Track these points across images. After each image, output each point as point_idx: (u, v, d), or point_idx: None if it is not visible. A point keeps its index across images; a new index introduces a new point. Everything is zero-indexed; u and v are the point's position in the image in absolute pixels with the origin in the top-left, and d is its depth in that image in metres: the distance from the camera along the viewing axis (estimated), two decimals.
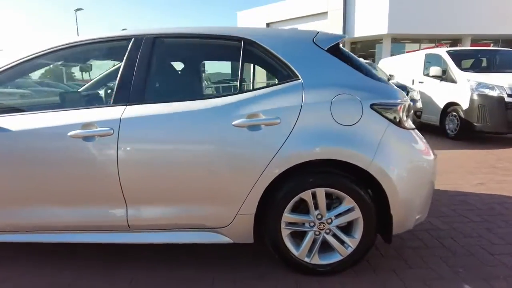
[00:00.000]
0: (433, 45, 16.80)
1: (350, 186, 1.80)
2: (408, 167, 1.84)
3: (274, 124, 1.79)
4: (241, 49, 1.95)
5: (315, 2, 18.17)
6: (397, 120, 1.85)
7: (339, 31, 17.53)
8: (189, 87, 2.22)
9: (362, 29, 17.19)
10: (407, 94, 6.00)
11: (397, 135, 1.84)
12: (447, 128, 6.19)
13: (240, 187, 1.82)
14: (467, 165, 4.35)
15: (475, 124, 5.56)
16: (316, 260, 1.91)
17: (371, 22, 16.68)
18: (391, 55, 8.51)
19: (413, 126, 1.97)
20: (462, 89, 5.86)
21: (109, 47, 2.09)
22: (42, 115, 1.91)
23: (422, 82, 7.00)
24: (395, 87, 2.02)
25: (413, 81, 7.34)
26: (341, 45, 2.04)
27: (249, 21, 21.85)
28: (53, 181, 1.87)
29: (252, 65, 2.12)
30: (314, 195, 1.83)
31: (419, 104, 6.19)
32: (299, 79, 1.87)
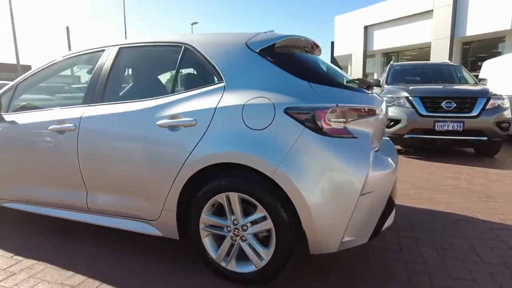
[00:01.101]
0: None
1: (259, 194, 1.71)
2: (326, 180, 1.63)
3: (190, 125, 1.84)
4: (180, 54, 2.05)
5: (418, 0, 16.41)
6: (317, 126, 1.66)
7: (446, 31, 15.43)
8: (134, 89, 2.43)
9: (477, 26, 14.68)
10: (488, 101, 4.99)
11: (315, 143, 1.65)
12: None
13: (162, 184, 1.92)
14: None
15: None
16: (232, 266, 1.86)
17: (489, 16, 14.14)
18: None
19: (354, 135, 1.72)
20: None
21: (91, 57, 2.45)
22: (36, 113, 2.40)
23: None
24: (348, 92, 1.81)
25: None
26: (274, 48, 1.92)
27: (347, 25, 21.14)
28: (37, 163, 2.33)
29: (189, 68, 2.19)
30: (229, 199, 1.80)
31: (507, 114, 5.05)
32: (222, 82, 1.87)
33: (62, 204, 2.36)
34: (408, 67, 7.14)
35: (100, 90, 2.22)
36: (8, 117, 2.53)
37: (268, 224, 1.73)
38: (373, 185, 1.68)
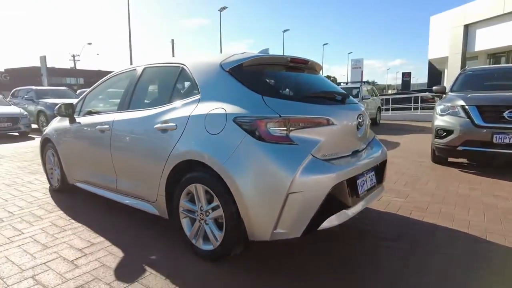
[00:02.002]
0: None
1: (214, 186, 2.11)
2: (259, 178, 1.95)
3: (173, 129, 2.35)
4: (178, 72, 2.59)
5: None
6: (256, 133, 1.98)
7: None
8: (146, 99, 3.01)
9: None
10: None
11: (253, 147, 1.97)
12: None
13: (156, 173, 2.47)
14: None
15: None
16: (199, 244, 2.30)
17: None
18: None
19: (294, 142, 1.99)
20: None
21: (129, 74, 3.17)
22: (92, 116, 3.25)
23: None
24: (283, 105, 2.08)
25: None
26: (243, 67, 2.28)
27: (443, 25, 19.16)
28: (96, 154, 3.14)
29: (182, 83, 2.67)
30: (197, 190, 2.25)
31: None
32: (199, 95, 2.33)
33: (102, 186, 3.15)
34: (483, 72, 6.39)
35: (127, 100, 2.92)
36: (78, 119, 3.46)
37: (220, 211, 2.12)
38: (302, 186, 1.91)
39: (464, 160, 5.57)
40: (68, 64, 39.98)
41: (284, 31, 45.53)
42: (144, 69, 2.97)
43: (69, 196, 3.79)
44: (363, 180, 2.35)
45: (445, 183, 4.24)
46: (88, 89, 3.58)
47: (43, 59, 36.37)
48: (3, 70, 45.70)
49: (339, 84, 14.38)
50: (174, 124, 2.35)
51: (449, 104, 5.14)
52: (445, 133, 5.02)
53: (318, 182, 1.95)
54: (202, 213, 2.25)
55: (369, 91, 13.69)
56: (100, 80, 3.50)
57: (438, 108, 5.34)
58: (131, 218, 3.07)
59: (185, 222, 2.39)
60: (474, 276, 2.07)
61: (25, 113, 10.19)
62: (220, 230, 2.17)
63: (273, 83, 2.37)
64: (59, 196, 3.83)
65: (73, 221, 3.06)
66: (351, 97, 2.78)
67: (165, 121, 2.43)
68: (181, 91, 2.64)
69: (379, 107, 13.99)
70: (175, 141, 2.31)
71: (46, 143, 4.00)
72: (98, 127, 3.05)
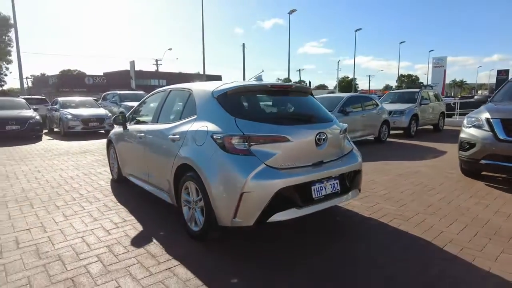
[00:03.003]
0: None
1: (198, 184, 2.85)
2: (223, 179, 2.63)
3: (177, 140, 3.16)
4: (188, 96, 3.40)
5: None
6: (225, 146, 2.67)
7: None
8: (166, 115, 3.83)
9: None
10: None
11: (222, 157, 2.66)
12: None
13: (168, 171, 3.31)
14: None
15: None
16: (192, 226, 3.07)
17: None
18: None
19: (252, 154, 2.63)
20: None
21: (163, 93, 4.09)
22: (136, 125, 4.27)
23: None
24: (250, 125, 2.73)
25: None
26: (227, 95, 2.97)
27: None
28: (141, 154, 4.15)
29: (189, 104, 3.43)
30: (190, 186, 3.02)
31: None
32: (195, 116, 3.10)
33: (140, 178, 4.14)
34: None
35: (157, 114, 3.84)
36: (128, 126, 4.52)
37: (202, 202, 2.85)
38: (253, 187, 2.53)
39: (502, 174, 5.37)
40: (152, 68, 44.79)
41: (356, 30, 44.18)
42: (170, 91, 3.86)
43: (121, 186, 4.92)
44: (320, 187, 2.86)
45: (453, 196, 4.32)
46: (138, 103, 4.64)
47: (132, 63, 41.38)
48: (101, 74, 53.21)
49: (399, 87, 13.93)
50: (178, 136, 3.16)
51: (475, 116, 5.08)
52: (468, 146, 4.99)
53: (266, 185, 2.56)
54: (193, 203, 3.02)
55: (433, 96, 13.02)
56: (145, 97, 4.52)
57: (465, 120, 5.28)
58: (156, 205, 3.99)
59: (184, 210, 3.18)
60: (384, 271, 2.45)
61: (109, 114, 12.28)
62: (202, 216, 2.91)
63: (248, 107, 3.02)
64: (115, 185, 5.00)
65: (118, 204, 4.10)
66: (329, 116, 3.28)
67: (174, 134, 3.25)
68: (187, 111, 3.43)
69: (442, 113, 13.19)
70: (178, 148, 3.12)
71: (109, 143, 5.22)
72: (138, 134, 4.04)
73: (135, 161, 4.26)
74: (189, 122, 3.14)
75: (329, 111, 8.26)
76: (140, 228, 3.35)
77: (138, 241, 3.02)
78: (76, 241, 3.03)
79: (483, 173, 5.34)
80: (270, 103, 3.31)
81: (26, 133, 10.50)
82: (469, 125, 5.11)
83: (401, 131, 11.25)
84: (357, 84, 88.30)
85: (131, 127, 4.43)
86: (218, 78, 73.22)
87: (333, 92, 47.99)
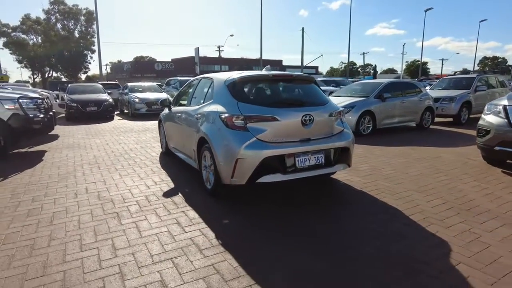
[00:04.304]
0: None
1: (210, 152, 3.70)
2: (225, 148, 3.43)
3: (199, 118, 4.03)
4: (210, 83, 4.23)
5: None
6: (228, 124, 3.45)
7: None
8: (195, 100, 4.65)
9: None
10: None
11: (225, 131, 3.46)
12: None
13: (194, 142, 4.21)
14: None
15: None
16: (208, 185, 3.95)
17: None
18: None
19: (247, 130, 3.38)
20: None
21: (197, 81, 4.99)
22: (178, 107, 5.27)
23: None
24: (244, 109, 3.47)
25: None
26: (235, 83, 3.73)
27: None
28: (179, 130, 5.17)
29: (210, 90, 4.21)
30: (206, 153, 3.89)
31: None
32: (212, 100, 3.93)
33: (178, 149, 5.15)
34: None
35: (190, 99, 4.77)
36: (173, 108, 5.54)
37: (213, 166, 3.71)
38: (245, 155, 3.29)
39: None
40: (216, 54, 47.03)
41: (427, 10, 40.86)
42: (201, 79, 4.74)
43: (167, 156, 6.04)
44: (304, 158, 3.51)
45: (456, 179, 4.57)
46: (180, 89, 5.62)
47: (196, 50, 43.80)
48: (170, 60, 57.23)
49: (481, 71, 13.25)
50: (200, 116, 4.03)
51: (495, 103, 5.12)
52: (484, 132, 5.09)
53: (255, 154, 3.29)
54: (208, 167, 3.89)
55: (497, 82, 12.16)
56: (185, 84, 5.49)
57: (486, 106, 5.32)
58: (187, 171, 4.96)
59: (203, 173, 4.07)
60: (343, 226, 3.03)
61: (170, 98, 13.81)
62: (213, 177, 3.77)
63: (250, 93, 3.76)
64: (163, 156, 6.14)
65: (161, 169, 5.18)
66: (323, 101, 3.87)
67: (198, 113, 4.13)
68: (208, 96, 4.25)
69: None
70: (200, 125, 3.99)
71: (160, 122, 6.35)
72: (177, 114, 5.03)
73: (175, 136, 5.27)
74: (208, 105, 3.98)
75: (365, 97, 8.60)
76: (172, 185, 4.35)
77: (167, 194, 4.01)
78: (125, 191, 4.13)
79: (509, 161, 5.35)
80: (271, 89, 4.00)
81: (101, 113, 12.47)
82: (488, 112, 5.17)
83: (451, 119, 10.86)
84: (428, 69, 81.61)
85: (174, 108, 5.44)
86: (278, 63, 73.71)
87: (398, 77, 45.40)
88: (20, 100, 5.90)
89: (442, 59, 74.36)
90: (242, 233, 2.97)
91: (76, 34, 46.15)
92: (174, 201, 3.75)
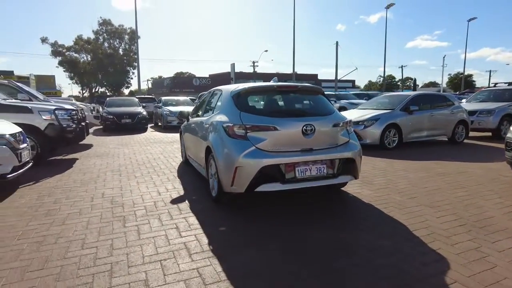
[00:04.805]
0: None
1: (214, 160, 3.81)
2: (225, 156, 3.51)
3: (208, 127, 4.17)
4: (218, 94, 4.38)
5: None
6: (230, 133, 3.55)
7: None
8: (206, 110, 4.79)
9: None
10: None
11: (226, 139, 3.55)
12: None
13: (203, 151, 4.34)
14: None
15: None
16: (213, 193, 4.04)
17: None
18: None
19: (247, 139, 3.46)
20: None
21: (207, 94, 5.18)
22: (194, 118, 5.48)
23: None
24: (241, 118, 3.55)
25: None
26: (240, 94, 3.84)
27: None
28: (193, 140, 5.38)
29: (219, 101, 4.33)
30: (211, 161, 4.01)
31: None
32: (219, 110, 4.06)
33: (192, 158, 5.32)
34: None
35: (203, 110, 4.95)
36: (190, 120, 5.77)
37: (217, 174, 3.80)
38: (244, 163, 3.36)
39: None
40: (250, 69, 48.22)
41: (470, 20, 39.00)
42: (213, 91, 4.91)
43: (186, 165, 6.25)
44: (305, 168, 3.49)
45: (477, 195, 4.28)
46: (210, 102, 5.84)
47: (232, 66, 45.01)
48: (207, 76, 59.30)
49: (495, 85, 12.48)
50: (208, 125, 4.17)
51: None
52: None
53: (253, 162, 3.34)
54: (213, 175, 3.99)
55: None
56: (200, 96, 5.69)
57: None
58: (200, 180, 5.10)
59: (210, 181, 4.18)
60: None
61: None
62: (217, 185, 3.85)
63: (253, 103, 3.83)
64: (182, 165, 6.36)
65: (176, 178, 5.38)
66: (327, 111, 3.85)
67: (207, 123, 4.28)
68: (217, 106, 4.38)
69: None
70: (207, 134, 4.13)
71: (180, 133, 6.62)
72: (192, 124, 5.23)
73: (190, 145, 5.47)
74: (216, 115, 4.11)
75: (391, 109, 8.38)
76: (182, 193, 4.50)
77: (175, 200, 4.15)
78: (137, 197, 4.34)
79: None
80: (274, 100, 4.05)
81: (135, 125, 13.18)
82: None
83: (490, 133, 10.17)
84: (474, 81, 77.11)
85: (191, 119, 5.66)
86: (313, 77, 73.46)
87: (439, 91, 43.31)
88: (56, 112, 6.44)
89: (490, 71, 69.89)
90: (236, 240, 3.01)
91: (121, 52, 49.41)
92: (179, 208, 3.88)
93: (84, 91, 52.57)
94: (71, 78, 48.89)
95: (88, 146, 9.09)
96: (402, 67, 60.94)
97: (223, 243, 2.94)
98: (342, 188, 4.55)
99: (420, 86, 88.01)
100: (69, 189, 4.73)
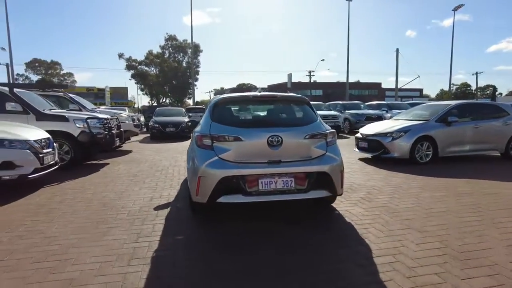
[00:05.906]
0: None
1: None
2: (191, 164, 3.57)
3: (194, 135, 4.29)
4: (208, 105, 4.47)
5: None
6: (198, 143, 3.60)
7: None
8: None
9: None
10: None
11: (195, 150, 3.60)
12: None
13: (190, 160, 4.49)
14: None
15: None
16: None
17: None
18: None
19: (213, 149, 3.47)
20: None
21: (207, 104, 5.30)
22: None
23: None
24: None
25: None
26: (217, 104, 3.88)
27: None
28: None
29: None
30: None
31: None
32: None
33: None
34: None
35: (196, 121, 5.09)
36: None
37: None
38: (205, 173, 3.36)
39: None
40: (311, 78, 48.14)
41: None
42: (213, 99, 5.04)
43: None
44: (270, 181, 3.38)
45: (491, 222, 3.69)
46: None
47: (289, 76, 45.17)
48: (266, 86, 60.39)
49: None
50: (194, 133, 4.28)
51: None
52: None
53: (213, 172, 3.34)
54: None
55: None
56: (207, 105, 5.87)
57: None
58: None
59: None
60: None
61: None
62: None
63: (225, 113, 3.82)
64: None
65: (179, 185, 5.58)
66: (303, 122, 3.70)
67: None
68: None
69: None
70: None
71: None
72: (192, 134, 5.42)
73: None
74: (200, 123, 4.21)
75: (425, 120, 7.69)
76: (171, 200, 4.66)
77: (160, 207, 4.32)
78: (129, 202, 4.60)
79: None
80: (247, 110, 4.00)
81: (179, 133, 13.99)
82: None
83: None
84: None
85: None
86: (377, 85, 70.17)
87: None
88: (88, 120, 7.17)
89: None
90: (187, 250, 3.04)
91: (184, 65, 52.93)
92: (157, 214, 4.03)
93: (152, 101, 57.29)
94: (142, 90, 53.74)
95: (127, 152, 9.89)
96: (476, 73, 55.00)
97: (171, 252, 2.98)
98: (333, 204, 4.29)
99: (504, 94, 78.06)
100: (81, 191, 5.21)
